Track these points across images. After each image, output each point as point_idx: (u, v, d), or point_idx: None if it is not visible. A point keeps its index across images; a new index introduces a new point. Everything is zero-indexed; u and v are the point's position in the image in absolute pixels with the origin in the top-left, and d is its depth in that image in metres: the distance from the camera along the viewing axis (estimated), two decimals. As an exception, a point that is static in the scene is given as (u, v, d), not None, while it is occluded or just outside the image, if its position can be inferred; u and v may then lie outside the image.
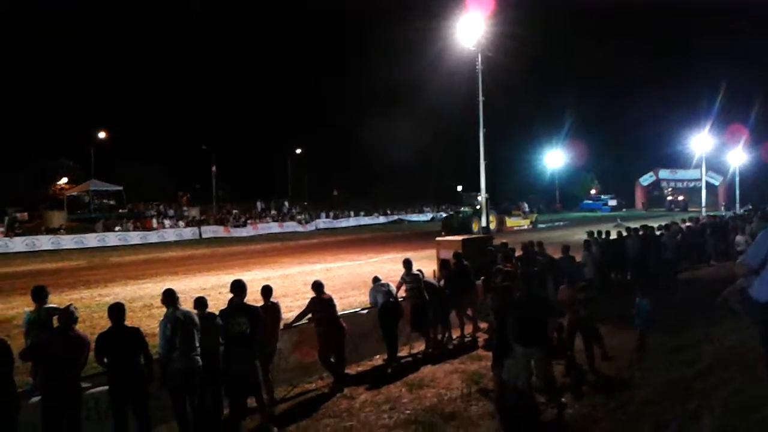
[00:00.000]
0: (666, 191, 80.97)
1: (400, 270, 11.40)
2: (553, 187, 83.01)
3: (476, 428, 7.40)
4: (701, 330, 11.41)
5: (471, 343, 11.53)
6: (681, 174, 79.58)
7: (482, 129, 29.27)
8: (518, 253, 14.42)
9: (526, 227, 48.87)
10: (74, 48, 66.48)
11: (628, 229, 18.57)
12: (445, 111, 64.08)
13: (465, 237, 17.00)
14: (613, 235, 18.23)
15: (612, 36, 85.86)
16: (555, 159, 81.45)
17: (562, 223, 52.18)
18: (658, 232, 18.48)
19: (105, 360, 6.70)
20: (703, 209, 52.33)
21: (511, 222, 48.79)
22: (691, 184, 75.56)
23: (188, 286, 18.40)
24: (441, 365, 10.10)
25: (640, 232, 17.71)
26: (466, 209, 46.00)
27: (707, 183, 63.81)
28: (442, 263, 12.69)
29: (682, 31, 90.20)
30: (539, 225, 50.39)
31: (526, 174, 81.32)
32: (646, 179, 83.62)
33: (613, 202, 78.15)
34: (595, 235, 17.20)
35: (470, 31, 28.70)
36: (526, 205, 58.25)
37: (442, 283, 11.85)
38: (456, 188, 78.83)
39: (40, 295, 8.02)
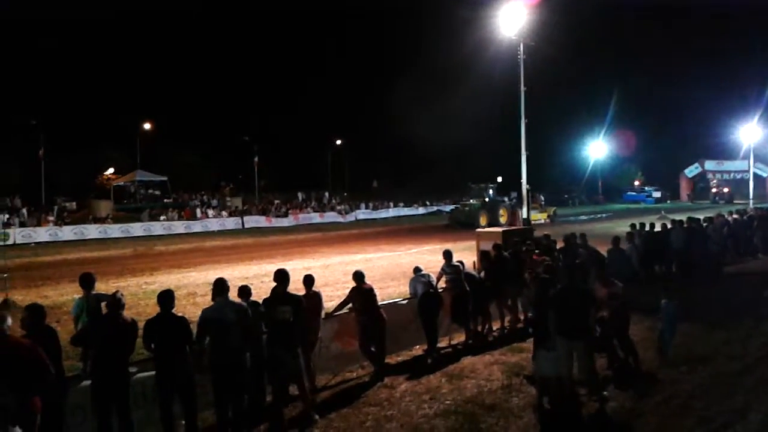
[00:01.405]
0: (711, 183, 79.06)
1: (440, 261, 11.41)
2: (595, 178, 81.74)
3: (517, 420, 7.40)
4: (748, 324, 11.20)
5: (511, 334, 11.49)
6: (728, 165, 77.54)
7: (524, 119, 28.95)
8: (560, 245, 14.28)
9: (543, 221, 44.84)
10: (123, 41, 67.84)
11: (673, 221, 18.24)
12: (486, 101, 63.58)
13: (506, 228, 16.90)
14: (658, 228, 17.92)
15: (658, 24, 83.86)
16: (598, 149, 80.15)
17: (604, 215, 51.36)
18: (704, 224, 18.11)
19: (152, 346, 6.87)
20: (751, 201, 50.95)
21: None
22: (738, 176, 73.60)
23: (231, 275, 18.65)
24: (481, 356, 10.10)
25: (686, 224, 17.38)
26: (474, 202, 42.97)
27: (755, 174, 62.05)
28: (483, 254, 12.65)
29: (733, 19, 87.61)
30: (559, 218, 47.39)
31: (568, 165, 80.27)
32: (692, 171, 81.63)
33: (657, 194, 76.48)
34: (638, 227, 16.92)
35: (512, 20, 28.38)
36: (542, 198, 55.09)
37: (482, 274, 11.83)
38: (497, 179, 78.39)
39: (88, 282, 8.25)
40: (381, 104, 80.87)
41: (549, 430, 7.29)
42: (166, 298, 6.95)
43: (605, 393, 7.90)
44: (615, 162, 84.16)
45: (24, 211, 39.61)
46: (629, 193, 79.83)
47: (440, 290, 10.86)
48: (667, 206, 60.29)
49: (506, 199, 46.50)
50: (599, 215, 51.67)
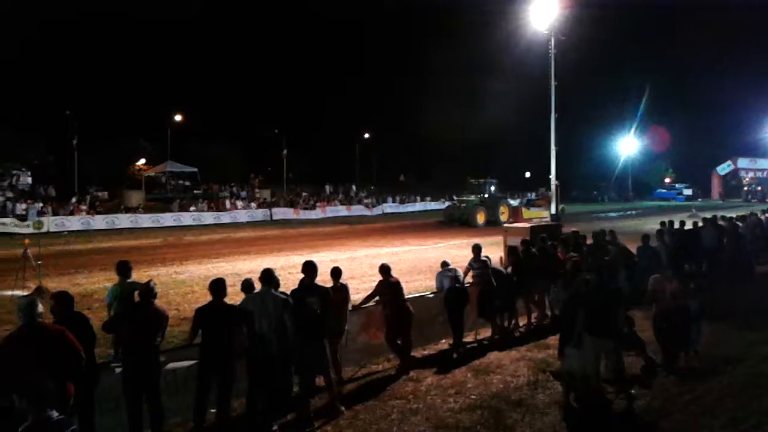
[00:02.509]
0: (744, 181, 77.52)
1: (466, 256, 11.41)
2: (625, 175, 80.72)
3: (543, 417, 7.38)
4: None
5: (538, 330, 11.45)
6: (761, 163, 76.12)
7: (554, 114, 28.74)
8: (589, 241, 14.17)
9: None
10: (156, 33, 68.51)
11: (704, 219, 17.96)
12: (515, 95, 63.21)
13: (534, 224, 16.81)
14: (689, 225, 17.66)
15: (692, 18, 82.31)
16: (629, 146, 79.08)
17: (634, 212, 50.76)
18: (736, 223, 17.81)
19: (199, 332, 6.95)
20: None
21: (529, 213, 42.07)
22: (772, 174, 72.37)
23: (260, 266, 18.64)
24: (507, 352, 10.08)
25: (719, 222, 17.11)
26: (471, 198, 40.22)
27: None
28: (510, 250, 12.61)
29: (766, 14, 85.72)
30: (567, 216, 42.62)
31: (598, 161, 79.37)
32: (724, 168, 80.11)
33: (688, 192, 75.39)
34: (667, 225, 16.69)
35: (543, 14, 28.16)
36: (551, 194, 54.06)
37: (509, 269, 11.80)
38: (525, 174, 77.77)
39: (124, 269, 8.39)
40: (409, 98, 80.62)
41: (575, 428, 7.26)
42: (219, 286, 7.05)
43: (633, 391, 7.85)
44: (646, 158, 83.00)
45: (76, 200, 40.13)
46: (660, 190, 78.78)
47: (467, 285, 10.85)
48: (698, 204, 59.34)
49: (524, 195, 45.14)
50: (629, 212, 51.08)
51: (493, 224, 36.08)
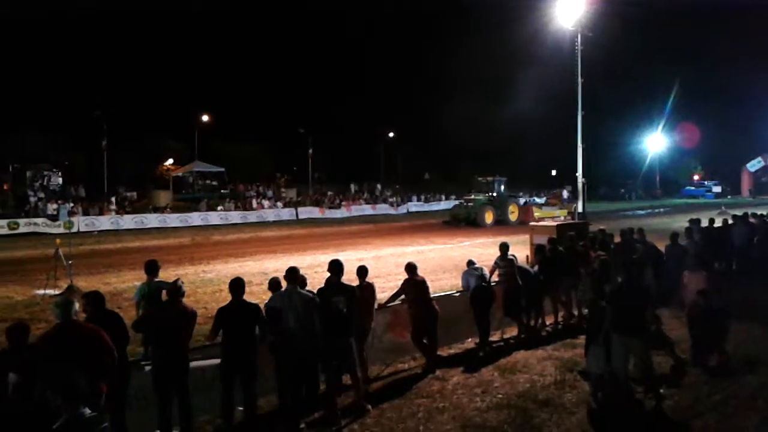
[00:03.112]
0: (774, 177, 76.04)
1: (491, 254, 11.39)
2: (653, 172, 79.66)
3: (570, 416, 7.34)
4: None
5: (565, 330, 11.38)
6: (793, 160, 74.55)
7: (581, 111, 28.49)
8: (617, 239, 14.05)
9: (562, 219, 39.86)
10: (183, 34, 69.30)
11: (734, 216, 17.68)
12: (541, 92, 62.61)
13: (560, 223, 16.70)
14: (718, 223, 17.40)
15: (721, 14, 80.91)
16: (656, 142, 78.01)
17: (662, 210, 50.09)
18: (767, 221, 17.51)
19: (220, 332, 7.02)
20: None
21: (541, 212, 40.06)
22: (804, 171, 70.80)
23: (286, 265, 18.73)
24: (534, 351, 10.05)
25: (750, 219, 16.83)
26: (479, 197, 38.22)
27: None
28: (537, 248, 12.54)
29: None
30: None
31: (625, 158, 78.44)
32: (754, 165, 78.46)
33: (717, 189, 74.00)
34: (696, 223, 16.44)
35: (570, 10, 27.91)
36: (565, 193, 50.71)
37: (536, 268, 11.74)
38: (551, 172, 77.12)
39: (152, 268, 8.50)
40: (434, 96, 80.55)
41: (603, 428, 7.22)
42: (238, 285, 7.14)
43: (662, 391, 7.77)
44: (674, 155, 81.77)
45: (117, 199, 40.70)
46: (688, 187, 77.55)
47: (493, 284, 10.83)
48: (727, 201, 58.33)
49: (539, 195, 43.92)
50: (657, 210, 50.42)
51: (501, 224, 35.70)
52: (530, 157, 72.07)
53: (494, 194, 38.48)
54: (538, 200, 54.34)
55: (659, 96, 75.13)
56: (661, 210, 50.50)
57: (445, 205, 59.94)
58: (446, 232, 32.89)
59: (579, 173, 29.42)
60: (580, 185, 29.69)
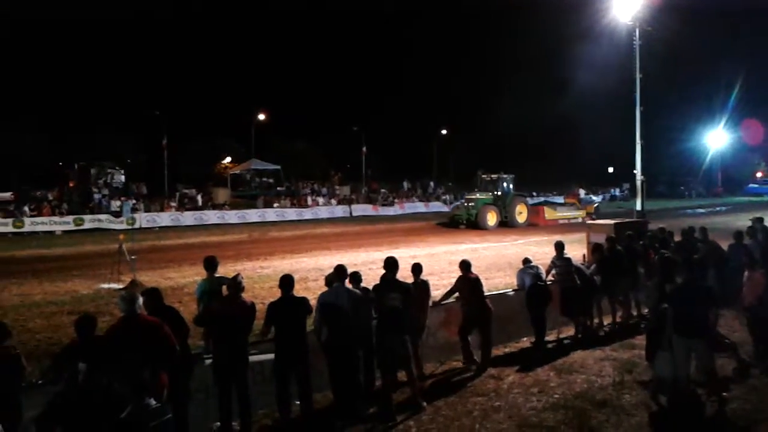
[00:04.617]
0: None
1: (546, 253, 11.25)
2: (714, 169, 77.09)
3: (629, 418, 7.21)
4: None
5: (623, 330, 11.17)
6: None
7: (639, 107, 27.82)
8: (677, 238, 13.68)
9: (580, 220, 36.80)
10: (240, 37, 70.71)
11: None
12: (596, 88, 61.31)
13: (618, 221, 16.36)
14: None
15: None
16: (718, 139, 75.46)
17: (724, 209, 48.48)
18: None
19: (272, 327, 7.17)
20: None
21: (554, 214, 37.61)
22: None
23: (340, 262, 19.09)
24: (591, 351, 9.89)
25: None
26: (481, 196, 35.18)
27: None
28: (595, 247, 12.33)
29: None
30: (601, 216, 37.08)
31: (685, 155, 76.19)
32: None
33: (781, 187, 71.25)
34: (760, 221, 15.84)
35: (627, 4, 27.28)
36: (583, 192, 48.25)
37: (593, 268, 11.55)
38: (607, 169, 75.55)
39: (211, 264, 8.69)
40: (487, 93, 79.88)
41: (663, 431, 7.07)
42: (287, 281, 7.28)
43: (724, 394, 7.56)
44: (736, 152, 78.89)
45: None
46: (751, 185, 74.68)
47: (549, 283, 10.70)
48: (793, 200, 56.06)
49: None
50: (718, 208, 48.83)
51: (507, 226, 33.65)
52: (587, 155, 70.75)
53: (499, 193, 35.43)
54: (556, 200, 52.17)
55: (722, 91, 72.69)
56: (723, 208, 48.90)
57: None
58: (499, 230, 32.52)
59: (638, 170, 28.72)
60: (638, 183, 28.96)
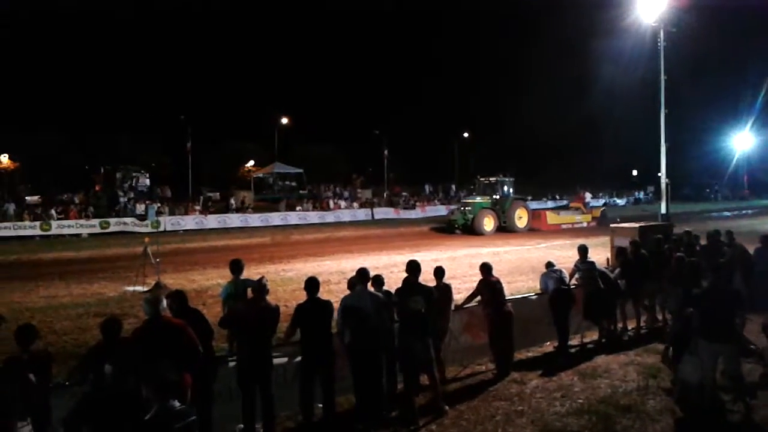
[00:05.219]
0: None
1: (569, 257, 11.15)
2: (740, 172, 75.90)
3: (654, 424, 7.14)
4: None
5: (648, 334, 11.05)
6: None
7: (663, 109, 27.54)
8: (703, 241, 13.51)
9: (585, 224, 36.43)
10: (262, 42, 71.31)
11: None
12: (619, 89, 60.79)
13: (643, 224, 16.17)
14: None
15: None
16: (744, 141, 74.26)
17: (750, 212, 47.76)
18: None
19: (297, 329, 7.20)
20: None
21: (557, 218, 36.45)
22: None
23: (362, 265, 19.11)
24: (615, 356, 9.80)
25: None
26: (479, 200, 34.04)
27: None
28: (618, 251, 12.21)
29: None
30: (608, 220, 34.13)
31: (710, 158, 75.12)
32: None
33: (812, 189, 70.03)
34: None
35: (652, 5, 27.04)
36: (589, 195, 46.73)
37: (617, 271, 11.44)
38: (631, 172, 74.78)
39: (237, 267, 8.76)
40: (509, 95, 79.66)
41: (689, 436, 7.00)
42: (313, 284, 7.32)
43: (752, 401, 7.44)
44: (763, 154, 77.58)
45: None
46: (779, 188, 73.61)
47: (572, 287, 10.63)
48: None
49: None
50: (744, 211, 48.12)
51: (506, 231, 32.68)
52: (610, 157, 70.18)
53: (498, 197, 34.08)
54: (559, 204, 51.39)
55: (749, 92, 71.53)
56: (749, 211, 48.21)
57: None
58: (522, 234, 32.35)
59: (662, 173, 28.44)
60: (663, 185, 28.67)
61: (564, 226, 35.70)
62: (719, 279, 7.67)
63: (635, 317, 11.49)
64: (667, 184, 28.43)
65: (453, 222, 33.93)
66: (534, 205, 51.58)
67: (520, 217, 34.06)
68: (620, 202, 68.46)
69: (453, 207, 40.52)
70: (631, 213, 42.97)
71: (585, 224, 36.54)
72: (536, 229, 34.22)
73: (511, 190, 35.00)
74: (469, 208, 33.33)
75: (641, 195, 71.30)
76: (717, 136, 74.96)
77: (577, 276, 10.88)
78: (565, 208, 41.27)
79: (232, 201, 43.85)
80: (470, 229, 32.04)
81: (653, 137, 28.46)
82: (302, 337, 7.19)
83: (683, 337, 7.62)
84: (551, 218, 36.04)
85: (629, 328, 11.41)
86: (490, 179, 35.66)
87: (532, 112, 69.27)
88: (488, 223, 32.44)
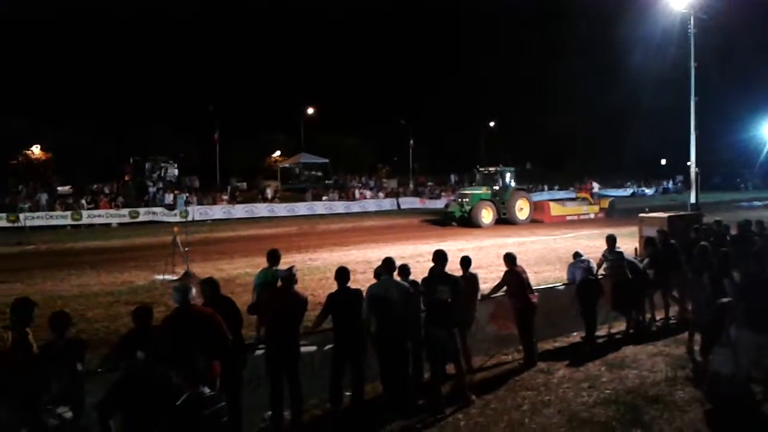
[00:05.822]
0: None
1: (596, 247, 11.06)
2: (771, 160, 74.29)
3: (682, 415, 7.08)
4: None
5: (676, 325, 10.95)
6: None
7: (694, 97, 27.11)
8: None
9: (592, 216, 35.30)
10: (289, 33, 71.57)
11: None
12: (648, 77, 59.80)
13: (672, 213, 15.96)
14: None
15: None
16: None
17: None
18: None
19: (326, 317, 7.29)
20: None
21: (562, 209, 35.09)
22: None
23: (388, 254, 19.13)
24: (643, 346, 9.73)
25: None
26: (477, 191, 32.65)
27: None
28: (647, 241, 12.08)
29: None
30: (617, 212, 35.71)
31: (740, 146, 73.67)
32: None
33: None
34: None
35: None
36: (596, 185, 45.52)
37: (645, 261, 11.33)
38: (660, 161, 73.69)
39: (274, 257, 8.79)
40: (535, 84, 78.81)
41: (718, 428, 6.92)
42: (344, 273, 7.41)
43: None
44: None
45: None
46: (812, 177, 71.88)
47: (600, 277, 10.55)
48: None
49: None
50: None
51: (505, 222, 31.70)
52: (639, 146, 69.18)
53: (497, 187, 32.86)
54: (565, 194, 50.66)
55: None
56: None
57: (547, 195, 58.54)
58: (548, 224, 32.12)
59: (692, 162, 28.06)
60: (693, 174, 28.28)
61: (570, 218, 34.53)
62: (765, 269, 7.53)
63: (663, 308, 11.38)
64: (696, 173, 28.03)
65: (449, 214, 32.77)
66: (545, 195, 51.64)
67: (522, 209, 32.86)
68: (648, 191, 67.59)
69: (450, 198, 39.14)
70: (659, 203, 42.40)
71: (592, 215, 35.49)
72: (539, 220, 33.24)
73: (512, 181, 33.93)
74: (467, 199, 32.01)
75: (670, 184, 70.28)
76: (748, 125, 73.47)
77: (604, 266, 10.80)
78: (572, 199, 40.04)
79: (268, 191, 44.19)
80: (467, 222, 30.91)
81: (683, 126, 28.08)
82: (335, 326, 7.28)
83: (715, 328, 7.52)
84: (555, 209, 34.76)
85: (657, 318, 11.31)
86: (489, 169, 34.53)
87: (559, 101, 68.62)
88: (486, 215, 31.32)
